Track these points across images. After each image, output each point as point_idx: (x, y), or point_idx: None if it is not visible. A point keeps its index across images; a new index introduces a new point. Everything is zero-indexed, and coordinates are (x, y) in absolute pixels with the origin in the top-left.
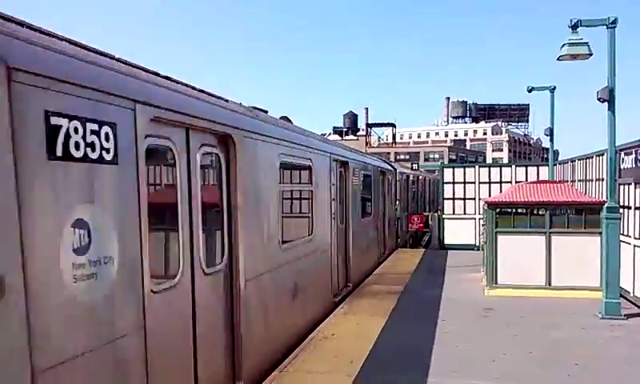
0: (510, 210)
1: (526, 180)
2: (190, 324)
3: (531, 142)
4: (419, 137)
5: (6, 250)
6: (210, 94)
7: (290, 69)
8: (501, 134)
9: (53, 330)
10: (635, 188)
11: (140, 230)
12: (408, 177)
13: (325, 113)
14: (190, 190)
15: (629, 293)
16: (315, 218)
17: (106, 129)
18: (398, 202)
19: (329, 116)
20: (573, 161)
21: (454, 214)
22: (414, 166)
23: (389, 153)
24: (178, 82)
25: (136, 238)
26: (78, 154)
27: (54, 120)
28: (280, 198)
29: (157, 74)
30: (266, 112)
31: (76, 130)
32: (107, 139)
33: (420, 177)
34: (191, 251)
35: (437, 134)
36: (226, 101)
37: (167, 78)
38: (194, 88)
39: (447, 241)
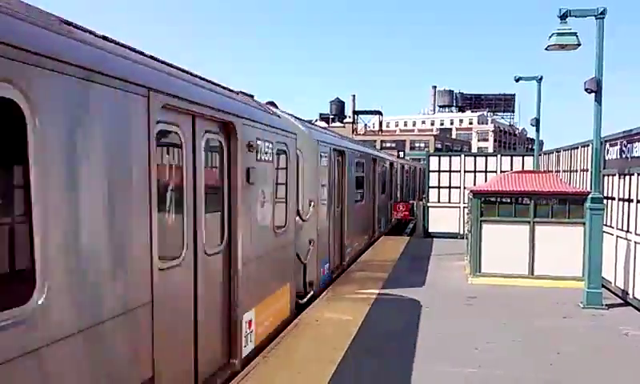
0: (494, 199)
1: (511, 170)
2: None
3: (517, 132)
4: (405, 125)
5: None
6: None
7: (277, 53)
8: (487, 123)
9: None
10: (619, 179)
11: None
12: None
13: (311, 98)
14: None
15: (610, 283)
16: (366, 195)
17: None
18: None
19: (315, 102)
20: (558, 151)
21: (439, 202)
22: (400, 153)
23: (375, 140)
24: (334, 132)
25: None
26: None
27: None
28: (354, 184)
29: (328, 129)
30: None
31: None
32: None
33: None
34: (331, 211)
35: (423, 122)
36: (340, 135)
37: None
38: (327, 129)
39: (432, 229)
